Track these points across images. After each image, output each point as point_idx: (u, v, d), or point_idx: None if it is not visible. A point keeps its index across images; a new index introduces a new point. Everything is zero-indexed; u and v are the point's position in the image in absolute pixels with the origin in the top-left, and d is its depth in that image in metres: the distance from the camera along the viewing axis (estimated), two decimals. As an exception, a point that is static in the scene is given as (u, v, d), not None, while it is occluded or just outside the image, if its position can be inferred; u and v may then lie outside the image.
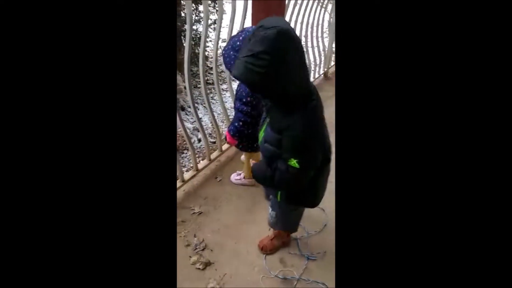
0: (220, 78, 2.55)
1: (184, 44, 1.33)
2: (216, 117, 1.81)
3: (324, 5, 2.62)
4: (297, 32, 2.35)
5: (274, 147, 0.91)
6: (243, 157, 1.58)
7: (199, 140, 2.31)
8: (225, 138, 1.46)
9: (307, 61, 0.92)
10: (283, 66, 0.74)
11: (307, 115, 0.84)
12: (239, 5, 1.47)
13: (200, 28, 2.82)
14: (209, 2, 2.83)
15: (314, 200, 1.08)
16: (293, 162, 0.86)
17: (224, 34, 1.58)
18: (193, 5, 2.69)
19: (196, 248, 1.35)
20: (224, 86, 2.82)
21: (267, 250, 1.34)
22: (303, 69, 0.82)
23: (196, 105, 1.59)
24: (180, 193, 1.62)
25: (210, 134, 2.40)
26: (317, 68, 2.85)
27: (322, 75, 3.02)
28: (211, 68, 1.62)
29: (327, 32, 3.01)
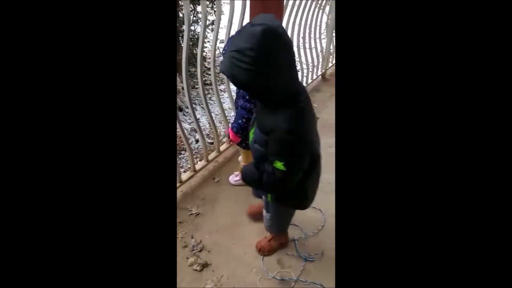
0: (218, 78, 2.55)
1: (182, 45, 1.33)
2: (214, 118, 1.81)
3: (322, 6, 2.63)
4: (295, 33, 2.37)
5: (263, 148, 0.90)
6: (240, 158, 1.58)
7: (197, 141, 2.30)
8: (228, 136, 1.46)
9: (298, 61, 0.92)
10: (268, 64, 0.73)
11: (293, 117, 0.82)
12: (237, 6, 1.47)
13: (198, 28, 2.82)
14: (207, 2, 2.83)
15: (304, 202, 1.07)
16: (279, 165, 0.84)
17: (222, 35, 1.58)
18: (191, 5, 2.68)
19: (193, 250, 1.35)
20: (222, 87, 2.82)
21: (265, 251, 1.33)
22: (291, 69, 0.81)
23: (194, 105, 1.58)
24: (177, 194, 1.61)
25: (208, 135, 2.39)
26: (315, 70, 2.85)
27: (320, 77, 3.03)
28: (209, 68, 1.62)
29: (325, 33, 3.02)
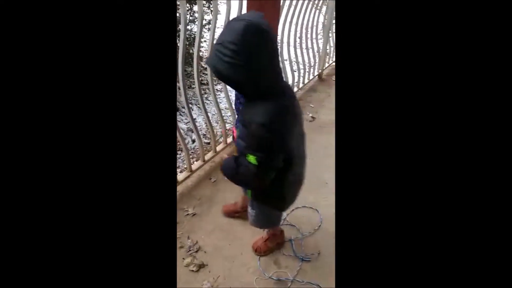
0: (215, 78, 2.54)
1: (179, 44, 1.32)
2: (210, 118, 1.80)
3: (318, 7, 2.64)
4: (292, 33, 2.37)
5: (244, 142, 0.89)
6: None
7: (193, 141, 2.30)
8: (232, 135, 1.45)
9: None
10: (249, 58, 0.75)
11: (270, 112, 0.82)
12: (234, 6, 1.47)
13: (195, 28, 2.81)
14: (204, 2, 2.82)
15: (281, 204, 1.07)
16: (252, 158, 0.85)
17: (218, 35, 1.57)
18: (188, 5, 2.67)
19: (189, 250, 1.34)
20: (219, 87, 2.82)
21: (261, 252, 1.33)
22: (274, 65, 0.82)
23: (190, 105, 1.58)
24: (173, 194, 1.60)
25: (204, 135, 2.38)
26: (312, 70, 2.86)
27: (317, 77, 3.03)
28: (206, 68, 1.62)
29: (322, 33, 3.03)
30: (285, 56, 2.44)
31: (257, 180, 0.89)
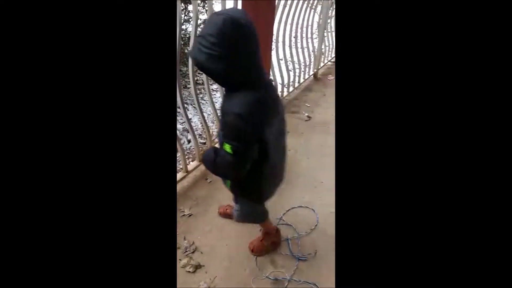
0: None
1: (173, 44, 1.31)
2: (206, 118, 1.80)
3: (313, 6, 2.64)
4: (287, 33, 2.37)
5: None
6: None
7: (189, 141, 2.28)
8: None
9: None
10: (227, 49, 0.78)
11: (245, 103, 0.84)
12: (229, 5, 1.46)
13: (190, 28, 2.79)
14: (199, 2, 2.81)
15: (257, 197, 1.10)
16: (227, 147, 0.86)
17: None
18: (182, 4, 2.66)
19: (186, 251, 1.34)
20: (214, 86, 2.81)
21: (258, 251, 1.33)
22: (252, 58, 0.84)
23: (185, 105, 1.57)
24: (169, 195, 1.59)
25: (200, 135, 2.37)
26: (307, 69, 2.86)
27: (312, 76, 3.04)
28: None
29: (317, 33, 3.03)
30: (281, 55, 2.44)
31: (232, 169, 0.91)
